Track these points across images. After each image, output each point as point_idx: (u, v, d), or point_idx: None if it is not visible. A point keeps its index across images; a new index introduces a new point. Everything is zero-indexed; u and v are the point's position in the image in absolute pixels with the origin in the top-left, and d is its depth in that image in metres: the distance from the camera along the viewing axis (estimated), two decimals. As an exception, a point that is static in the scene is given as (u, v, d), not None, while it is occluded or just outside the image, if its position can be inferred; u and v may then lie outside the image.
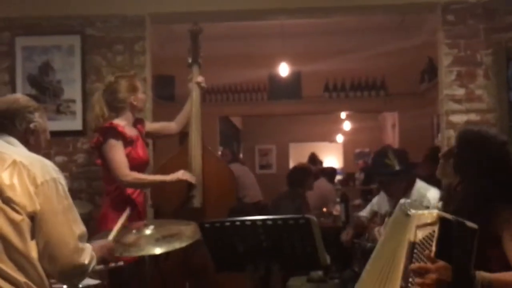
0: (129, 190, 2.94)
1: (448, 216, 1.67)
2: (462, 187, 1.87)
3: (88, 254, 1.77)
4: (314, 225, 1.98)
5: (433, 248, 1.64)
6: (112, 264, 2.09)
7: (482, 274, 1.66)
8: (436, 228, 1.65)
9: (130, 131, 2.97)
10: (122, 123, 2.95)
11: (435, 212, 1.69)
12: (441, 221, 1.65)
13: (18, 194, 1.66)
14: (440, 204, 1.97)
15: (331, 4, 3.71)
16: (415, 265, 1.65)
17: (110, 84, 3.04)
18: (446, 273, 1.63)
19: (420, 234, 1.69)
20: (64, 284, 1.90)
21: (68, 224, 1.73)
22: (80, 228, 1.77)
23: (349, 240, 3.04)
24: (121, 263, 2.21)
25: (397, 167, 2.84)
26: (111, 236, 2.15)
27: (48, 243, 1.69)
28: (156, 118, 3.78)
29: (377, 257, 1.90)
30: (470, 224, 1.65)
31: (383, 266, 1.81)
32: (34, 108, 1.89)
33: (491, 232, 1.75)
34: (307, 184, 4.88)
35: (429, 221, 1.68)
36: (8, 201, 1.65)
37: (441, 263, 1.63)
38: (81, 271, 1.76)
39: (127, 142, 2.91)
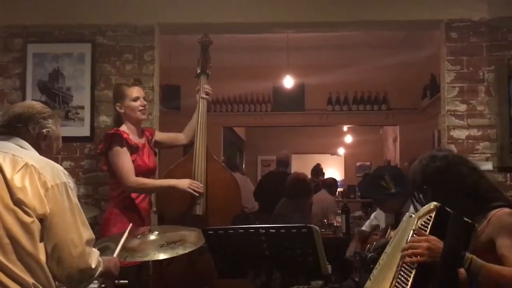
0: (133, 195, 2.97)
1: (446, 208, 1.78)
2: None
3: (95, 258, 1.79)
4: (316, 234, 2.00)
5: (428, 229, 1.76)
6: (116, 281, 2.11)
7: (474, 257, 1.73)
8: (433, 214, 1.78)
9: (135, 139, 3.01)
10: (127, 130, 2.99)
11: (433, 203, 1.80)
12: (438, 208, 1.77)
13: (29, 197, 1.69)
14: None
15: (337, 19, 3.78)
16: (409, 241, 1.77)
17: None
18: (437, 244, 1.71)
19: (419, 222, 1.81)
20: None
21: (77, 228, 1.75)
22: (88, 232, 1.80)
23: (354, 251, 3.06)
24: (125, 281, 2.22)
25: (393, 190, 2.83)
26: (115, 253, 2.16)
27: (56, 246, 1.71)
28: (162, 126, 3.83)
29: (382, 259, 1.96)
30: (467, 219, 1.74)
31: (387, 261, 1.89)
32: (48, 114, 1.93)
33: None
34: (307, 195, 4.90)
35: (427, 209, 1.80)
36: (19, 203, 1.68)
37: (432, 236, 1.73)
38: (88, 275, 1.78)
39: (132, 148, 2.95)
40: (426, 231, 1.77)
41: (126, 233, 2.32)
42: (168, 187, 3.02)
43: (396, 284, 1.72)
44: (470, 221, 1.75)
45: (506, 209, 1.87)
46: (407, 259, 1.73)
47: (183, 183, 3.00)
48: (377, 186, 2.88)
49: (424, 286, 1.69)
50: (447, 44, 3.66)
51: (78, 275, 1.75)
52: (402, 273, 1.74)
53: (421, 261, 1.70)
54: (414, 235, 1.78)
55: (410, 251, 1.74)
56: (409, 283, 1.68)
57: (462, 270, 1.70)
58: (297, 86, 6.83)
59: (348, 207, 4.78)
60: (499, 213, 1.86)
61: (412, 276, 1.69)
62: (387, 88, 6.97)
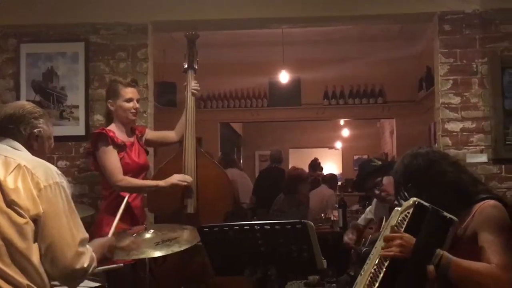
0: (125, 194, 2.95)
1: (425, 203, 1.82)
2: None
3: (88, 257, 1.79)
4: (311, 229, 2.00)
5: (404, 225, 1.82)
6: (112, 266, 2.13)
7: (445, 253, 1.76)
8: (411, 210, 1.83)
9: (122, 136, 3.00)
10: (113, 128, 2.98)
11: (412, 199, 1.84)
12: (416, 204, 1.82)
13: (22, 198, 1.69)
14: None
15: (331, 14, 3.77)
16: (384, 237, 1.82)
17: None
18: (409, 241, 1.77)
19: (399, 218, 1.86)
20: (65, 285, 1.91)
21: (70, 228, 1.75)
22: (81, 232, 1.79)
23: (352, 239, 3.09)
24: (120, 265, 2.25)
25: (381, 163, 3.01)
26: (111, 232, 2.19)
27: (50, 246, 1.71)
28: (157, 123, 3.83)
29: (372, 253, 1.98)
30: (446, 214, 1.78)
31: (373, 257, 1.91)
32: (39, 114, 1.92)
33: None
34: (301, 190, 4.91)
35: (407, 205, 1.85)
36: (12, 205, 1.68)
37: (406, 234, 1.79)
38: (81, 274, 1.78)
39: (119, 147, 2.94)
40: (403, 227, 1.81)
41: (123, 206, 2.36)
42: (156, 186, 3.01)
43: (370, 278, 1.80)
44: (448, 216, 1.77)
45: (491, 201, 1.87)
46: (382, 253, 1.80)
47: (170, 181, 2.98)
48: (369, 166, 3.03)
49: (393, 280, 1.77)
50: (440, 37, 3.66)
51: (71, 274, 1.76)
52: (376, 267, 1.80)
53: (392, 256, 1.76)
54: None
55: (384, 251, 1.79)
56: (380, 277, 1.77)
57: (431, 267, 1.73)
58: (293, 81, 6.84)
59: (345, 201, 4.79)
60: (483, 206, 1.86)
61: (383, 271, 1.77)
62: (383, 81, 6.97)
